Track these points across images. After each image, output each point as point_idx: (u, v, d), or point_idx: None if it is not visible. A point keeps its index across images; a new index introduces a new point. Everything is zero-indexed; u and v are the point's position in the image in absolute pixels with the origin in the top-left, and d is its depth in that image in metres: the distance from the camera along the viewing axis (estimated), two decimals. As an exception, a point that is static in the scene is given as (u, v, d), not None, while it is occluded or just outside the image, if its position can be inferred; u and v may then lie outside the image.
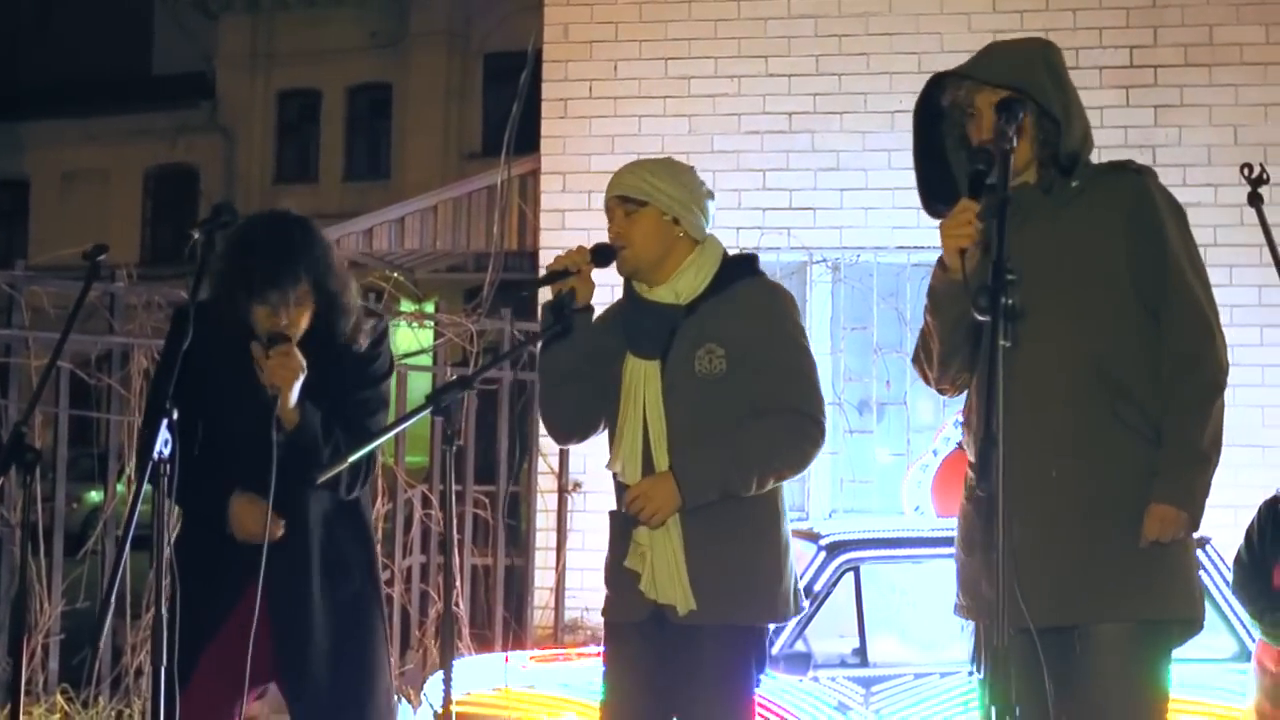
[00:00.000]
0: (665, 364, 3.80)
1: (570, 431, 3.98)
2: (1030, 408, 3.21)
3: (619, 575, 3.85)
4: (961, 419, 3.69)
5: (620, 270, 3.88)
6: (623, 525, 3.84)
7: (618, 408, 3.84)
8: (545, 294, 4.00)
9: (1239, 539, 5.14)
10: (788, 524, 3.90)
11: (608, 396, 3.87)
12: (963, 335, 3.37)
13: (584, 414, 3.92)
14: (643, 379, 3.81)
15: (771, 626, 3.91)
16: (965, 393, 3.59)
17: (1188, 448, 3.33)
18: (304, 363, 3.72)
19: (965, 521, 3.50)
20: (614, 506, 3.94)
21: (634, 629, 3.82)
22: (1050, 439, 3.30)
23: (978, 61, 3.47)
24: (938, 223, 3.33)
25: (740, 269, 3.90)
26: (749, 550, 3.79)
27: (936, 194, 3.52)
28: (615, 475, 3.88)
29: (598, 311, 3.92)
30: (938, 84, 3.49)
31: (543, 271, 4.04)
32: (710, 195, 3.93)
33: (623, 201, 3.84)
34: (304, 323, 3.80)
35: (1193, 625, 3.43)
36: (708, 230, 3.91)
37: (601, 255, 3.81)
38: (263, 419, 3.69)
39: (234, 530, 3.77)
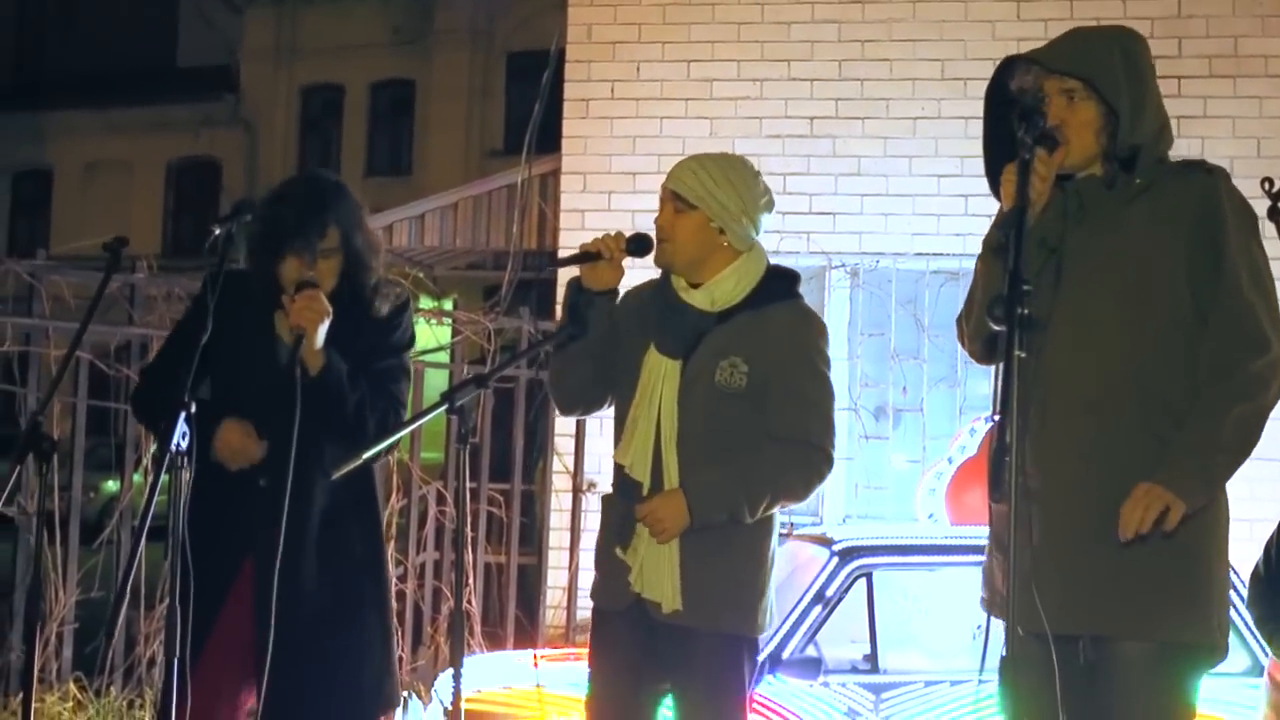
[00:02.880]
0: (686, 366, 3.81)
1: (574, 405, 4.04)
2: (1061, 414, 3.17)
3: (609, 561, 3.88)
4: (989, 419, 3.64)
5: (657, 261, 3.89)
6: (622, 514, 3.85)
7: (630, 394, 3.85)
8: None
9: (1255, 553, 5.11)
10: (776, 540, 3.92)
11: (616, 377, 3.89)
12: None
13: (590, 391, 3.96)
14: (661, 376, 3.81)
15: (761, 638, 3.92)
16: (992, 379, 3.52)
17: (1194, 439, 3.19)
18: (330, 309, 3.74)
19: (997, 520, 3.32)
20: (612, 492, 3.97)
21: (620, 616, 3.85)
22: (1076, 445, 3.20)
23: (1052, 47, 3.36)
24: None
25: (780, 288, 3.89)
26: (740, 563, 3.82)
27: None
28: (621, 466, 3.88)
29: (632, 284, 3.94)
30: (1008, 68, 3.38)
31: (563, 252, 4.06)
32: (769, 205, 3.91)
33: (675, 197, 3.85)
34: (332, 278, 3.85)
35: (1214, 652, 3.28)
36: (756, 239, 3.89)
37: (637, 246, 3.82)
38: (284, 376, 3.69)
39: (218, 452, 3.74)
